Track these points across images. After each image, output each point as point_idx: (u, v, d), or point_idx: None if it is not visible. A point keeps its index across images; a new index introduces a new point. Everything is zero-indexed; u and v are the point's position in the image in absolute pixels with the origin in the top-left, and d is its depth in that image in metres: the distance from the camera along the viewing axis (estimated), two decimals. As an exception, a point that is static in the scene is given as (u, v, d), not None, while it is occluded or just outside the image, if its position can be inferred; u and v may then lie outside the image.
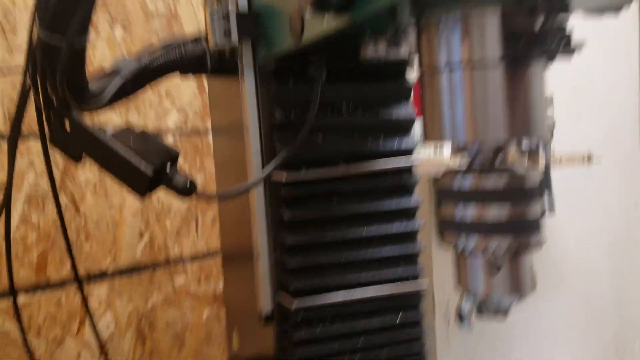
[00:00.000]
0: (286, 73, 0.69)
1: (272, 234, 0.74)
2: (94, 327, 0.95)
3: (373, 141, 0.73)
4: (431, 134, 0.49)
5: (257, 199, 0.73)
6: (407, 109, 0.74)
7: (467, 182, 0.49)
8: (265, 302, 0.75)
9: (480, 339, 1.26)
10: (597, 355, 1.91)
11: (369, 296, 0.75)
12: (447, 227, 0.51)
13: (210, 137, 1.32)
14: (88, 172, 1.12)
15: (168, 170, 0.62)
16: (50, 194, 1.08)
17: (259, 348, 0.82)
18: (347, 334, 0.75)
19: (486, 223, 0.48)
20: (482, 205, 0.48)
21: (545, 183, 1.22)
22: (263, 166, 0.72)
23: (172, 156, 0.63)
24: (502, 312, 0.52)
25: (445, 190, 0.50)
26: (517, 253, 0.49)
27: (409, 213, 0.77)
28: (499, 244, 0.48)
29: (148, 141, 0.63)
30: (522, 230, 0.48)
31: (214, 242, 1.33)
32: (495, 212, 0.48)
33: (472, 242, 0.49)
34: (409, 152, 0.75)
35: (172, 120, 1.26)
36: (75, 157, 0.64)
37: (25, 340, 0.84)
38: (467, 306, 1.02)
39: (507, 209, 0.48)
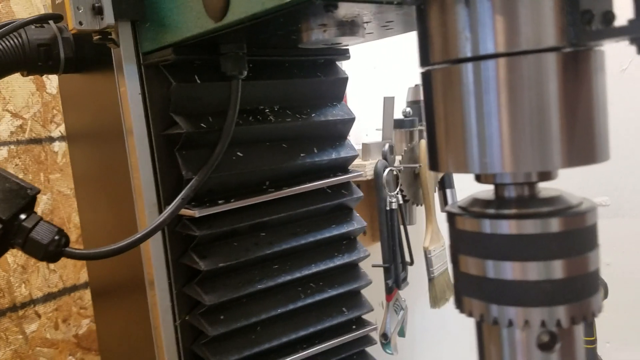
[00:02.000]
0: (190, 68, 0.49)
1: (173, 279, 0.53)
2: None
3: (305, 152, 0.55)
4: (448, 163, 0.33)
5: (153, 244, 0.52)
6: (342, 108, 0.57)
7: (504, 225, 0.33)
8: (171, 379, 0.55)
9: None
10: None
11: (311, 353, 0.58)
12: (471, 292, 0.35)
13: (55, 146, 1.05)
14: None
15: (24, 221, 0.40)
16: None
17: None
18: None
19: (531, 284, 0.33)
20: (525, 257, 0.33)
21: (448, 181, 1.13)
22: (158, 194, 0.52)
23: (28, 199, 0.40)
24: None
25: (468, 237, 0.34)
26: (573, 324, 0.34)
27: (350, 240, 0.61)
28: (551, 313, 0.33)
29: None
30: (582, 292, 0.34)
31: (71, 274, 1.07)
32: (545, 267, 0.33)
33: (510, 312, 0.34)
34: (347, 162, 0.58)
35: (4, 128, 0.97)
36: None
37: None
38: (391, 327, 0.90)
39: (561, 261, 0.33)
